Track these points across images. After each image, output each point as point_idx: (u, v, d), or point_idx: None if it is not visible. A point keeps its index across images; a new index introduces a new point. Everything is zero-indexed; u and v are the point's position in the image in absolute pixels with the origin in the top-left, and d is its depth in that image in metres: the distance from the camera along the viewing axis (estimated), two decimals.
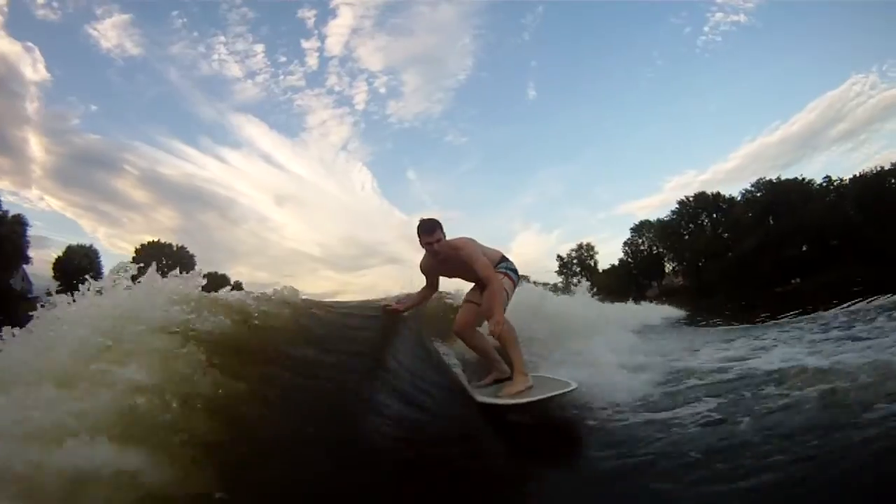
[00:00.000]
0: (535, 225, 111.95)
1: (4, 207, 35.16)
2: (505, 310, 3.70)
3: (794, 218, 39.64)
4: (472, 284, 4.16)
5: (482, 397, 3.42)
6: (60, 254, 45.61)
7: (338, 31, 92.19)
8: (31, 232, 37.36)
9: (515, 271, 4.07)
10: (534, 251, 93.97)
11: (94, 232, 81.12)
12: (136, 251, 53.26)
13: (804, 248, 39.10)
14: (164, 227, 79.72)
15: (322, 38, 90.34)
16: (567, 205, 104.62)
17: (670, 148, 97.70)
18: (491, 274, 3.66)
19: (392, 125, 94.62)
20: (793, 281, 38.55)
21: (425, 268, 4.05)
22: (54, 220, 78.86)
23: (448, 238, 3.80)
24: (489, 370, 4.09)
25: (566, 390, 3.20)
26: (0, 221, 33.88)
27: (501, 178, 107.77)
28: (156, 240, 55.61)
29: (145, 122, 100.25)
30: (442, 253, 3.73)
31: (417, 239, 3.78)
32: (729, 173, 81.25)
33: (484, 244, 4.05)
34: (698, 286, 44.18)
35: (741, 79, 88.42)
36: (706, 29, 79.62)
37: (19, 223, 35.29)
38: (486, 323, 3.77)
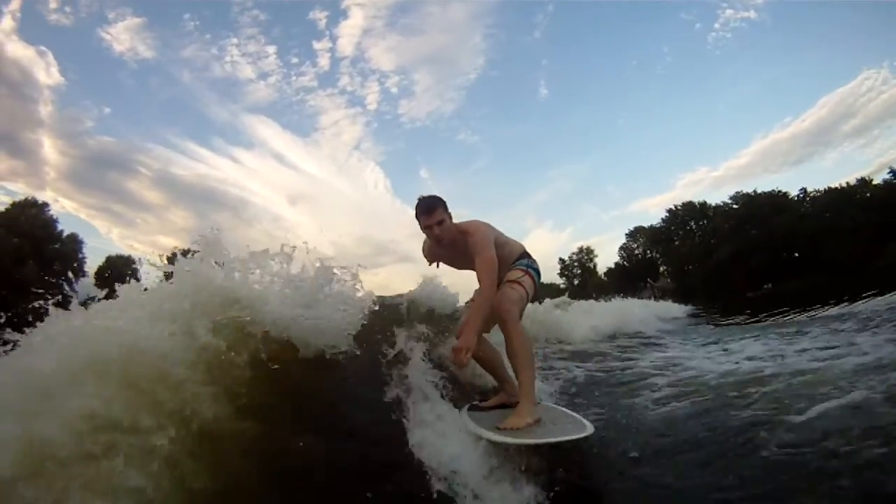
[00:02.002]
0: (548, 222, 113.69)
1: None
2: (521, 315, 3.06)
3: (765, 229, 43.20)
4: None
5: (475, 426, 2.65)
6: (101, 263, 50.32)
7: (349, 31, 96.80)
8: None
9: (538, 272, 3.33)
10: (547, 248, 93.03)
11: (108, 233, 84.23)
12: (168, 259, 57.29)
13: (774, 257, 42.45)
14: (177, 227, 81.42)
15: (334, 38, 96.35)
16: (579, 202, 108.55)
17: (682, 145, 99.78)
18: (487, 277, 2.87)
19: (404, 124, 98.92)
20: (765, 286, 42.13)
21: (429, 254, 3.47)
22: (69, 222, 79.08)
23: (458, 221, 3.13)
24: (496, 389, 3.37)
25: (580, 435, 2.50)
26: (58, 240, 38.87)
27: (513, 175, 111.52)
28: (186, 248, 59.35)
29: (159, 123, 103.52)
30: (446, 238, 3.05)
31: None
32: (741, 170, 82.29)
33: (506, 235, 3.37)
34: (683, 289, 47.66)
35: (752, 75, 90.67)
36: (716, 25, 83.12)
37: (75, 241, 40.31)
38: (503, 327, 2.94)
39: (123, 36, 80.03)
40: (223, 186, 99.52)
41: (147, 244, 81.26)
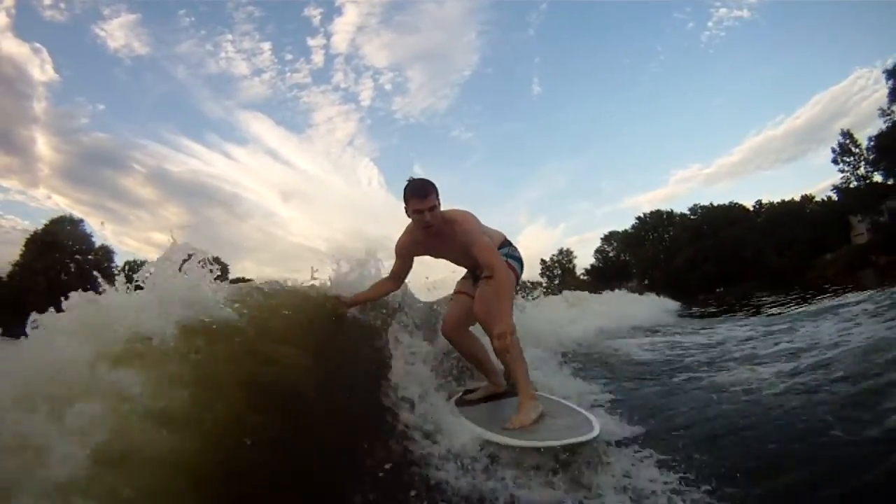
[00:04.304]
0: (542, 219, 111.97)
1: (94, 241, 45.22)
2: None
3: (717, 239, 48.72)
4: (465, 270, 3.38)
5: (478, 428, 2.62)
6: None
7: (343, 28, 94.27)
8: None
9: (520, 260, 3.26)
10: (540, 245, 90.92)
11: (102, 230, 79.57)
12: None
13: (724, 264, 47.75)
14: (171, 223, 78.38)
15: (328, 35, 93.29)
16: (573, 198, 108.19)
17: (675, 142, 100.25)
18: (495, 260, 2.80)
19: (398, 121, 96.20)
20: (717, 290, 47.39)
21: (405, 247, 3.18)
22: None
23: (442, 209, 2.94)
24: (483, 380, 3.31)
25: (590, 437, 2.37)
26: (92, 251, 43.97)
27: (507, 172, 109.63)
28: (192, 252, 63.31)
29: (153, 120, 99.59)
30: (434, 226, 2.87)
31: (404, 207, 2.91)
32: (734, 167, 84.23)
33: (485, 224, 3.19)
34: (649, 291, 52.92)
35: (745, 73, 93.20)
36: (710, 24, 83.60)
37: (106, 251, 45.53)
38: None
39: (118, 32, 77.67)
40: (217, 182, 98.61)
41: (140, 240, 79.40)
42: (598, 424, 2.48)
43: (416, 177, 2.89)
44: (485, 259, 2.83)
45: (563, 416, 2.71)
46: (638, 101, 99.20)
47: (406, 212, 2.92)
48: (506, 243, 3.25)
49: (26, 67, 71.10)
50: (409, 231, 3.13)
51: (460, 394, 3.27)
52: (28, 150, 69.92)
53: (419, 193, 2.82)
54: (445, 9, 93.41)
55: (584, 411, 2.72)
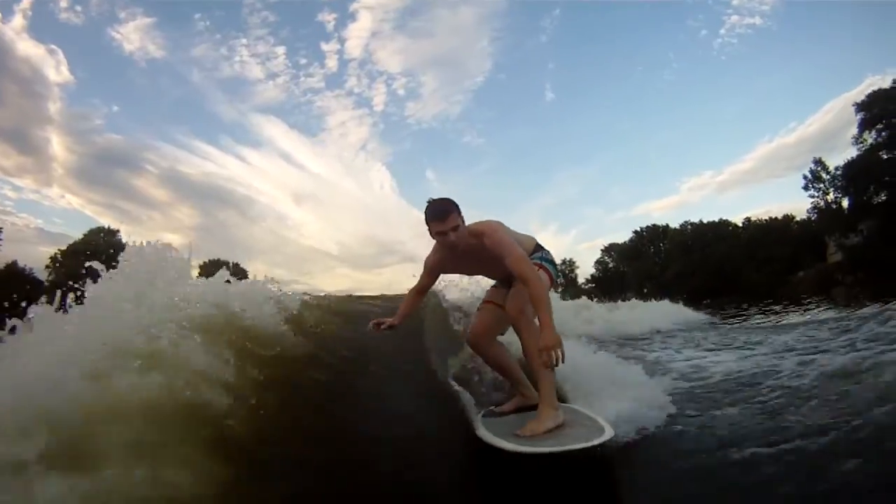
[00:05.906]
0: (553, 225, 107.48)
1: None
2: None
3: (704, 255, 51.48)
4: (493, 281, 3.36)
5: (490, 435, 2.59)
6: None
7: (357, 34, 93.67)
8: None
9: (553, 263, 3.21)
10: (552, 251, 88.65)
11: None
12: (201, 267, 64.12)
13: (710, 279, 50.35)
14: (183, 224, 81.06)
15: (342, 40, 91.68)
16: (584, 205, 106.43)
17: (687, 149, 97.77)
18: (529, 270, 2.70)
19: (410, 126, 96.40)
20: (704, 302, 49.84)
21: (434, 264, 3.12)
22: (74, 217, 78.22)
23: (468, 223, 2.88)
24: (511, 394, 3.26)
25: (599, 441, 2.37)
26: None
27: (519, 178, 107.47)
28: (216, 258, 65.97)
29: (167, 122, 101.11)
30: (461, 245, 2.81)
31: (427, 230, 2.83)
32: (745, 174, 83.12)
33: (515, 230, 3.15)
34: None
35: (757, 80, 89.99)
36: (722, 31, 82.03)
37: None
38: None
39: (133, 35, 78.70)
40: (229, 185, 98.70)
41: (153, 241, 79.66)
42: (611, 430, 2.47)
43: (435, 197, 2.84)
44: (517, 270, 2.70)
45: (580, 423, 2.68)
46: (650, 107, 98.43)
47: (430, 233, 2.85)
48: (538, 248, 3.22)
49: (42, 68, 71.99)
50: (436, 250, 3.04)
51: (490, 407, 3.22)
52: (42, 150, 71.42)
53: (439, 216, 2.76)
54: (459, 15, 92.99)
55: (600, 419, 2.67)
